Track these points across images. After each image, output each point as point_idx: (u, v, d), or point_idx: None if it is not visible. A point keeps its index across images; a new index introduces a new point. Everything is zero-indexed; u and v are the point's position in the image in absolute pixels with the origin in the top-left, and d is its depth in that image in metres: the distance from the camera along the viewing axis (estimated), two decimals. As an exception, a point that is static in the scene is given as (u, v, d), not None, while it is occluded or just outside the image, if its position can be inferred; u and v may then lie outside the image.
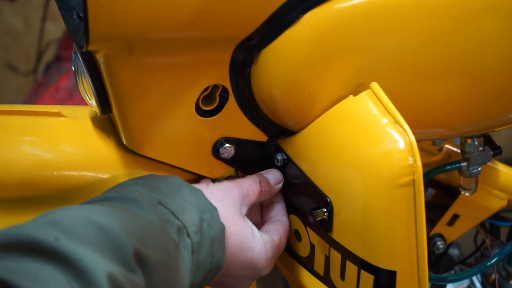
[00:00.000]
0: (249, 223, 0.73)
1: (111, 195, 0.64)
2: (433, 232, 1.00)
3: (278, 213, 0.78)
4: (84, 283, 0.49)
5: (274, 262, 0.76)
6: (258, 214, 0.80)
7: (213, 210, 0.68)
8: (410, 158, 0.64)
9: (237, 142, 0.76)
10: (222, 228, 0.68)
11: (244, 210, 0.73)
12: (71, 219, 0.53)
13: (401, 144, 0.65)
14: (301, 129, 0.74)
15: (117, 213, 0.58)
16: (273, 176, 0.77)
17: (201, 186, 0.72)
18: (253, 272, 0.73)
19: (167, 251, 0.60)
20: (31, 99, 1.79)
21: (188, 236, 0.63)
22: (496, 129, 0.84)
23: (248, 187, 0.74)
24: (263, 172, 0.77)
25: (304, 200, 0.75)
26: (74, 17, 0.67)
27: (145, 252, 0.56)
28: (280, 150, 0.77)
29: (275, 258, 0.75)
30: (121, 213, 0.58)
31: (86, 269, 0.50)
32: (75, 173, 0.72)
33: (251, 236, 0.72)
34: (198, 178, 0.78)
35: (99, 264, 0.50)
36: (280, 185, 0.77)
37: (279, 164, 0.77)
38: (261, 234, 0.74)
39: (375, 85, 0.69)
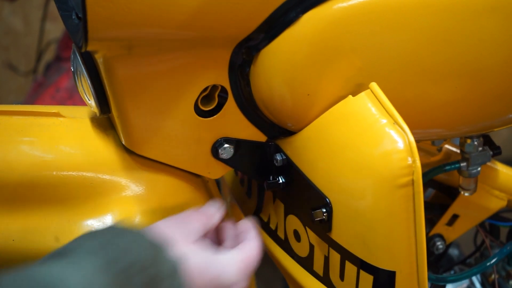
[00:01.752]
0: (207, 247, 0.67)
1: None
2: (432, 232, 1.00)
3: (238, 227, 0.74)
4: None
5: (250, 274, 0.69)
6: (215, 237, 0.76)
7: (157, 248, 0.61)
8: (409, 159, 0.64)
9: (236, 143, 0.76)
10: (176, 264, 0.61)
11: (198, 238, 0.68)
12: None
13: (400, 145, 0.65)
14: (300, 130, 0.74)
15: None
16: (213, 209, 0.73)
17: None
18: None
19: None
20: (31, 99, 1.79)
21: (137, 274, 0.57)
22: (495, 129, 0.84)
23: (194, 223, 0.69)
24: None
25: (303, 200, 0.75)
26: (73, 17, 0.67)
27: None
28: (280, 150, 0.77)
29: (248, 269, 0.69)
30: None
31: None
32: (74, 173, 0.72)
33: (212, 256, 0.66)
34: (197, 178, 0.78)
35: None
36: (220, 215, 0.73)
37: (278, 165, 0.77)
38: (226, 252, 0.68)
39: (374, 85, 0.69)
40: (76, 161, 0.73)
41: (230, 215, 0.97)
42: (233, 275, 0.66)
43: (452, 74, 0.73)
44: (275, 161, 0.77)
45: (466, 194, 0.93)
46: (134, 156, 0.74)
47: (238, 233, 0.74)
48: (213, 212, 0.72)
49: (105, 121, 0.77)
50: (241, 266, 0.67)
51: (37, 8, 2.25)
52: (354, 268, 0.70)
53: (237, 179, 0.94)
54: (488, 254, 1.02)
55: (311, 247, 0.77)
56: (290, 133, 0.76)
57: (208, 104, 0.73)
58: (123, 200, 0.73)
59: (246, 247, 0.69)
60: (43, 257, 0.57)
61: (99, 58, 0.67)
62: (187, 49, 0.68)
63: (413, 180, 0.65)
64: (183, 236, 0.66)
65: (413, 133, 0.65)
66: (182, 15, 0.63)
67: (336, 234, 0.71)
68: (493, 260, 0.94)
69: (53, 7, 1.89)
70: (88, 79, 0.71)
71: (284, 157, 0.77)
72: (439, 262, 1.04)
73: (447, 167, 0.90)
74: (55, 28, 2.14)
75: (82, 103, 0.79)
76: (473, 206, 0.97)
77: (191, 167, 0.76)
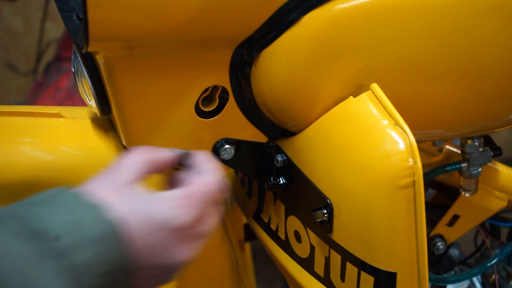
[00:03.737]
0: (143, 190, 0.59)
1: None
2: (433, 232, 1.00)
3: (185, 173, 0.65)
4: None
5: (200, 209, 0.60)
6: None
7: (89, 208, 0.55)
8: (410, 160, 0.64)
9: (237, 143, 0.76)
10: (107, 226, 0.54)
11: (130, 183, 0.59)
12: None
13: (401, 146, 0.65)
14: (301, 130, 0.74)
15: None
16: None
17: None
18: (172, 233, 0.58)
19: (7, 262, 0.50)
20: (31, 99, 1.79)
21: (46, 242, 0.52)
22: (496, 130, 0.84)
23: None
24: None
25: (304, 201, 0.75)
26: (74, 18, 0.67)
27: None
28: (280, 151, 0.77)
29: (195, 203, 0.60)
30: None
31: None
32: (74, 174, 0.72)
33: (147, 198, 0.58)
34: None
35: None
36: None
37: (279, 165, 0.77)
38: (166, 192, 0.60)
39: (375, 86, 0.69)
40: (77, 162, 0.73)
41: (231, 216, 0.97)
42: (171, 213, 0.58)
43: (452, 75, 0.73)
44: (276, 162, 0.77)
45: (467, 194, 0.93)
46: (135, 157, 0.74)
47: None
48: (162, 149, 0.64)
49: (105, 122, 0.77)
50: (182, 202, 0.59)
51: (37, 8, 2.25)
52: (355, 269, 0.70)
53: (237, 180, 0.94)
54: (489, 254, 1.02)
55: (312, 248, 0.77)
56: (291, 134, 0.76)
57: (209, 105, 0.73)
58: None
59: (194, 182, 0.62)
60: None
61: (99, 59, 0.67)
62: (188, 50, 0.68)
63: (414, 181, 0.65)
64: (110, 186, 0.58)
65: (414, 134, 0.65)
66: (183, 16, 0.63)
67: (337, 235, 0.71)
68: (494, 261, 0.94)
69: (53, 7, 1.89)
70: (88, 80, 0.71)
71: (285, 158, 0.77)
72: (440, 263, 1.04)
73: (448, 168, 0.90)
74: (55, 28, 2.14)
75: (82, 103, 0.79)
76: (474, 207, 0.97)
77: (191, 167, 0.76)
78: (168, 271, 0.60)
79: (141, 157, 0.61)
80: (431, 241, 1.00)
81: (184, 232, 0.59)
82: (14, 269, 0.50)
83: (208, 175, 0.63)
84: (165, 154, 0.63)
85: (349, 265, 0.71)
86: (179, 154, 0.65)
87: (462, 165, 0.89)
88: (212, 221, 0.62)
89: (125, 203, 0.57)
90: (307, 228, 0.76)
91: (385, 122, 0.66)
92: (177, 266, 0.60)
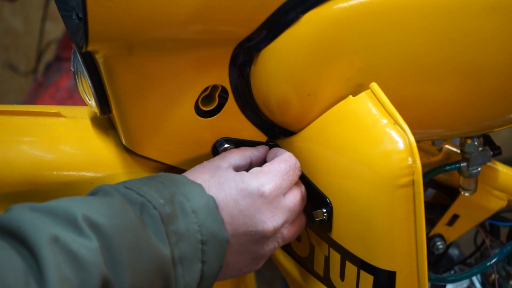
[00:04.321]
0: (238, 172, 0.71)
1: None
2: (432, 232, 1.00)
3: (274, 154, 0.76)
4: (25, 246, 0.53)
5: (280, 179, 0.70)
6: None
7: (190, 184, 0.66)
8: (410, 159, 0.64)
9: (236, 143, 0.76)
10: (206, 199, 0.65)
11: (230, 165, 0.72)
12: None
13: (401, 145, 0.65)
14: (300, 130, 0.74)
15: (69, 198, 0.61)
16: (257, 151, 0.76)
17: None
18: (258, 199, 0.68)
19: (124, 217, 0.60)
20: (31, 99, 1.79)
21: (155, 208, 0.62)
22: (496, 129, 0.84)
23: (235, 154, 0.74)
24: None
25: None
26: (74, 17, 0.67)
27: (94, 217, 0.57)
28: (280, 150, 0.77)
29: (278, 173, 0.70)
30: (74, 198, 0.61)
31: (26, 233, 0.53)
32: (74, 173, 0.72)
33: (238, 175, 0.69)
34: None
35: (40, 227, 0.53)
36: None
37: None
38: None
39: (374, 85, 0.69)
40: (77, 161, 0.73)
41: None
42: (256, 182, 0.68)
43: (452, 74, 0.73)
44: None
45: (466, 194, 0.93)
46: (135, 156, 0.74)
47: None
48: (250, 147, 0.75)
49: (105, 121, 0.77)
50: (264, 173, 0.69)
51: (37, 8, 2.25)
52: (355, 268, 0.70)
53: (237, 179, 0.94)
54: (488, 254, 1.02)
55: (312, 247, 0.77)
56: (290, 133, 0.76)
57: (209, 104, 0.73)
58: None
59: (274, 160, 0.72)
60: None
61: (99, 58, 0.67)
62: (187, 49, 0.68)
63: (413, 180, 0.65)
64: (207, 168, 0.70)
65: (413, 133, 0.65)
66: (182, 15, 0.63)
67: (337, 234, 0.71)
68: (493, 260, 0.94)
69: (53, 7, 1.89)
70: (88, 79, 0.71)
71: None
72: (439, 262, 1.04)
73: (447, 167, 0.91)
74: (55, 28, 2.14)
75: (82, 103, 0.79)
76: (473, 206, 0.97)
77: (191, 167, 0.76)
78: (257, 243, 0.69)
79: (234, 151, 0.73)
80: (430, 240, 1.00)
81: (268, 199, 0.68)
82: (126, 226, 0.59)
83: (285, 154, 0.72)
84: (253, 150, 0.75)
85: (348, 264, 0.71)
86: (265, 150, 0.76)
87: (462, 164, 0.89)
88: (294, 197, 0.71)
89: (216, 180, 0.68)
90: (307, 227, 0.76)
91: (385, 121, 0.66)
92: (265, 236, 0.68)
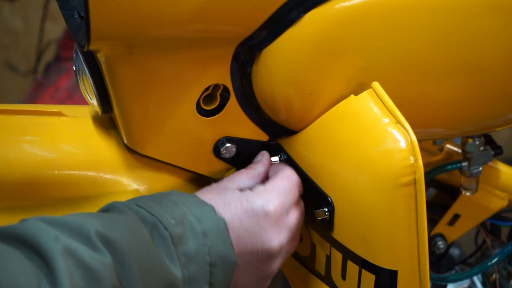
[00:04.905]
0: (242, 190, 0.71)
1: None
2: (434, 232, 1.00)
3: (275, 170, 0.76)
4: (39, 255, 0.53)
5: (283, 197, 0.70)
6: None
7: (202, 204, 0.67)
8: (411, 158, 0.64)
9: (238, 142, 0.76)
10: (217, 221, 0.66)
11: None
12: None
13: (402, 144, 0.65)
14: (302, 129, 0.74)
15: (83, 214, 0.61)
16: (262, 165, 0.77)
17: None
18: (263, 218, 0.68)
19: (137, 235, 0.60)
20: (31, 99, 1.79)
21: (165, 228, 0.62)
22: (497, 129, 0.84)
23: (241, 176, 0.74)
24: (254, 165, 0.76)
25: (305, 199, 0.75)
26: (75, 16, 0.67)
27: (108, 234, 0.58)
28: (281, 149, 0.77)
29: (281, 191, 0.71)
30: (88, 214, 0.61)
31: (40, 244, 0.54)
32: (76, 172, 0.72)
33: (239, 193, 0.69)
34: (199, 177, 0.78)
35: (55, 239, 0.54)
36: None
37: (280, 164, 0.77)
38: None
39: (376, 84, 0.69)
40: (78, 160, 0.73)
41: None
42: (260, 201, 0.68)
43: (453, 74, 0.73)
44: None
45: (468, 193, 0.93)
46: (136, 155, 0.74)
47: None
48: (256, 164, 0.75)
49: (107, 120, 0.77)
50: (267, 192, 0.70)
51: (37, 8, 2.25)
52: (356, 267, 0.70)
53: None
54: (489, 253, 1.02)
55: (313, 246, 0.77)
56: (292, 132, 0.76)
57: (210, 103, 0.73)
58: (125, 199, 0.73)
59: (276, 177, 0.72)
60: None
61: (101, 57, 0.67)
62: (189, 48, 0.68)
63: (415, 179, 0.65)
64: (215, 189, 0.70)
65: (415, 132, 0.65)
66: (184, 14, 0.63)
67: (338, 234, 0.71)
68: (494, 260, 0.94)
69: (53, 7, 1.89)
70: (90, 78, 0.71)
71: (285, 156, 0.77)
72: (440, 262, 1.04)
73: (449, 167, 0.91)
74: (55, 28, 2.14)
75: (82, 102, 0.79)
76: (474, 206, 0.97)
77: (192, 166, 0.76)
78: (264, 262, 0.69)
79: (242, 173, 0.74)
80: (431, 240, 1.00)
81: (274, 218, 0.69)
82: (139, 244, 0.60)
83: (287, 171, 0.73)
84: (260, 168, 0.75)
85: (350, 263, 0.71)
86: (268, 162, 0.76)
87: (463, 164, 0.89)
88: (296, 214, 0.71)
89: (222, 200, 0.68)
90: (308, 227, 0.76)
91: (386, 120, 0.66)
92: (271, 254, 0.69)
